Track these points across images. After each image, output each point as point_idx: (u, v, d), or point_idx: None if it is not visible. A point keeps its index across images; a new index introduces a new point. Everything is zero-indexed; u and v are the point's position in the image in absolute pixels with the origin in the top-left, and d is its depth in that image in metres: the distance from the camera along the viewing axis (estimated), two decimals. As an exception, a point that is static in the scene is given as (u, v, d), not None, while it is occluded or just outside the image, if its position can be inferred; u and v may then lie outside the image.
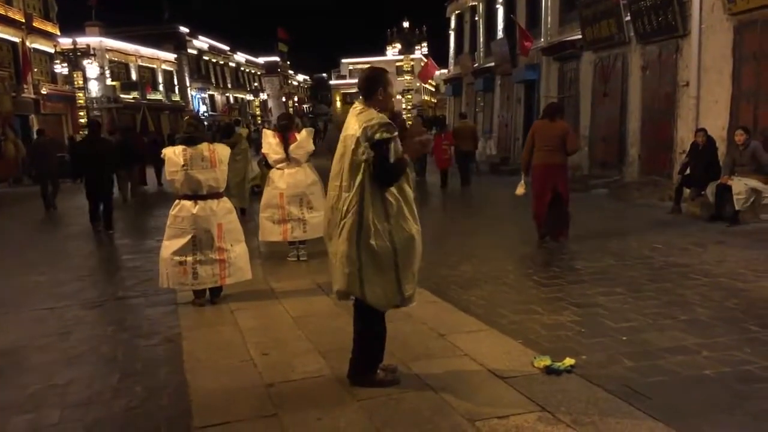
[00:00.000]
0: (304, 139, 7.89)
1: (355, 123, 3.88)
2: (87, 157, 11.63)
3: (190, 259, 6.12)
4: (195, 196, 6.10)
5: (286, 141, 7.81)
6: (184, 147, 6.05)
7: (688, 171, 11.01)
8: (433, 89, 72.83)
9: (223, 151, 6.25)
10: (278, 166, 7.89)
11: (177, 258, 6.11)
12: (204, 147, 6.09)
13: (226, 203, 6.31)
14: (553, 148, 8.74)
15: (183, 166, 6.00)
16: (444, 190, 16.53)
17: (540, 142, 8.85)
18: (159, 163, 15.84)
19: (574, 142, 9.02)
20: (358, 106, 3.99)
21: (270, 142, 7.89)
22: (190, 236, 6.08)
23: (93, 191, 11.65)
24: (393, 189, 3.88)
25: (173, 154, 6.06)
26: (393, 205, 3.87)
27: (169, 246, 6.18)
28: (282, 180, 7.85)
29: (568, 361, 4.34)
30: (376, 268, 3.86)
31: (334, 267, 4.01)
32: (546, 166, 8.79)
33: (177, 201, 6.20)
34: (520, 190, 9.47)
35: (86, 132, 17.58)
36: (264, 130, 8.27)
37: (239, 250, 6.36)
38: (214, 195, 6.18)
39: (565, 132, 8.87)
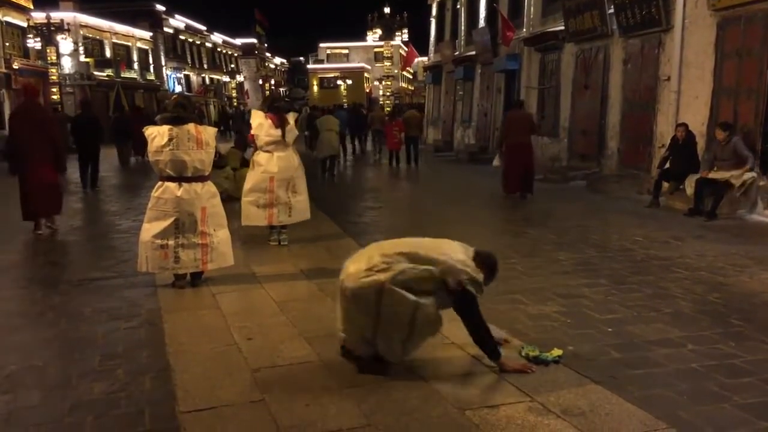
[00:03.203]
0: (293, 122, 7.78)
1: (457, 252, 4.04)
2: (80, 129, 14.69)
3: (171, 242, 5.97)
4: (179, 178, 5.94)
5: (282, 123, 7.66)
6: (170, 126, 5.90)
7: (667, 165, 11.10)
8: (411, 77, 72.75)
9: (210, 132, 6.12)
10: (267, 148, 7.74)
11: (158, 241, 5.96)
12: (191, 127, 5.95)
13: (210, 187, 6.17)
14: (521, 130, 12.22)
15: (168, 145, 5.84)
16: (392, 168, 19.34)
17: (512, 127, 12.31)
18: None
19: (535, 126, 13.13)
20: (470, 253, 4.12)
21: (262, 124, 7.69)
22: (172, 219, 5.92)
23: (83, 156, 14.53)
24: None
25: (158, 134, 5.92)
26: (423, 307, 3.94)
27: (150, 229, 6.01)
28: (273, 163, 7.68)
29: (556, 352, 4.33)
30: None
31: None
32: (517, 144, 12.21)
33: (160, 183, 6.03)
34: (496, 162, 13.65)
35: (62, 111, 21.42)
36: (254, 111, 8.09)
37: (222, 235, 6.23)
38: (199, 178, 6.04)
39: (531, 118, 13.06)
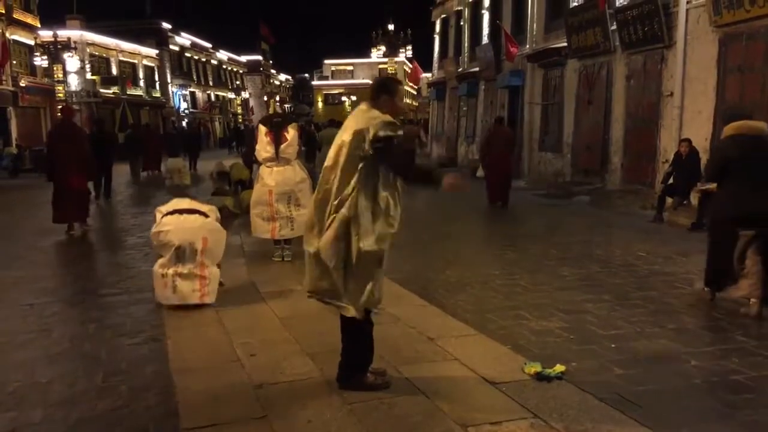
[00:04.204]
0: (292, 138, 7.83)
1: (359, 121, 3.86)
2: (95, 145, 14.73)
3: (170, 271, 5.99)
4: (179, 211, 6.16)
5: (278, 139, 7.75)
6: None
7: (671, 180, 11.10)
8: (415, 92, 72.97)
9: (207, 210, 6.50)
10: (268, 164, 7.83)
11: (160, 270, 6.03)
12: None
13: (213, 223, 6.28)
14: (502, 144, 13.45)
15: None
16: None
17: (494, 141, 13.54)
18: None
19: (514, 141, 14.88)
20: (364, 106, 3.98)
21: (262, 140, 7.82)
22: (174, 248, 5.97)
23: (99, 169, 14.61)
24: (386, 192, 3.86)
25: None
26: (381, 208, 3.86)
27: (160, 260, 6.12)
28: (271, 177, 7.78)
29: (559, 368, 4.32)
30: (360, 267, 3.83)
31: (313, 265, 3.98)
32: (498, 156, 13.35)
33: (159, 217, 6.17)
34: (479, 173, 14.81)
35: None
36: (260, 126, 8.17)
37: (214, 271, 6.21)
38: (198, 212, 6.24)
39: (509, 133, 14.58)
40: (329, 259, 3.84)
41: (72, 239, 10.45)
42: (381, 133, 3.73)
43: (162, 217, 6.15)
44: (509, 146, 13.82)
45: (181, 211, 6.15)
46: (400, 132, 3.80)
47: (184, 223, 6.04)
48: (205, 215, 6.26)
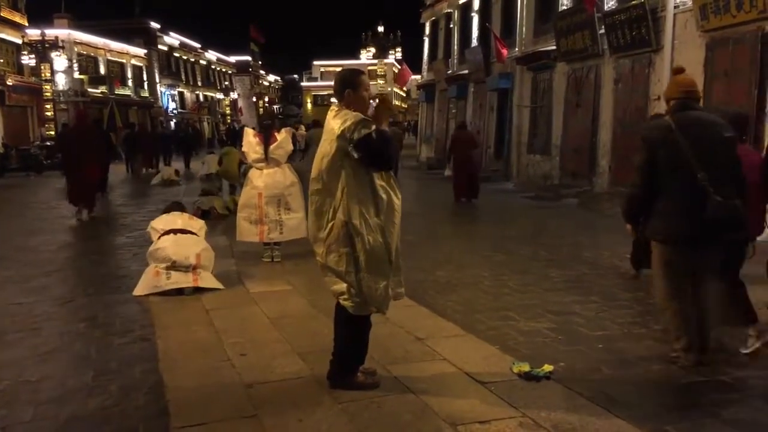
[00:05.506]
0: (283, 139, 7.83)
1: (332, 125, 3.89)
2: None
3: (162, 266, 6.45)
4: (174, 231, 6.72)
5: (267, 141, 7.75)
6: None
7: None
8: (404, 94, 73.04)
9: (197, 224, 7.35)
10: (257, 165, 7.82)
11: (154, 266, 6.51)
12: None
13: (204, 242, 6.94)
14: (467, 146, 14.89)
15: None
16: None
17: (458, 144, 15.00)
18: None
19: (478, 143, 16.87)
20: (334, 108, 4.00)
21: (250, 141, 7.81)
22: (170, 262, 6.44)
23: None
24: (383, 182, 3.89)
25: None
26: (383, 199, 3.88)
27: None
28: (260, 180, 7.77)
29: (547, 368, 4.37)
30: (372, 266, 3.85)
31: (325, 272, 4.02)
32: (464, 157, 14.69)
33: (155, 239, 6.75)
34: (447, 172, 16.73)
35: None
36: (246, 129, 8.21)
37: (208, 271, 6.80)
38: (192, 232, 6.88)
39: (473, 136, 16.40)
40: (337, 264, 3.88)
41: (67, 236, 10.42)
42: (356, 136, 3.75)
43: (159, 237, 6.68)
44: (472, 148, 15.18)
45: (175, 231, 6.74)
46: (374, 126, 3.81)
47: (179, 240, 6.59)
48: (196, 235, 6.97)
